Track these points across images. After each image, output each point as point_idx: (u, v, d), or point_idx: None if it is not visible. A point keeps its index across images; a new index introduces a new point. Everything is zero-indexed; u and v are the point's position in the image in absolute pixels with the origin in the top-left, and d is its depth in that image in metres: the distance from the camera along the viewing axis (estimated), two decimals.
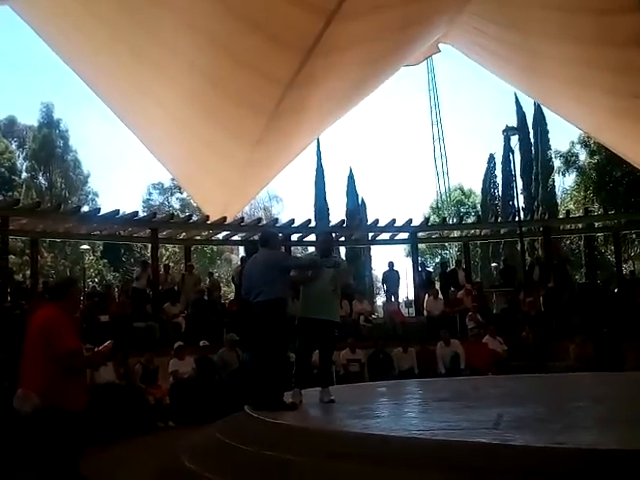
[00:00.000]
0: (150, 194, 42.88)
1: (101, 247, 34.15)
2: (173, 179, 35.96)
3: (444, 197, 44.10)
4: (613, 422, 5.15)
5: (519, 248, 19.87)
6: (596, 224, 21.46)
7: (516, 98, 32.56)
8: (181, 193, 39.54)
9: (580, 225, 21.69)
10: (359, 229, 20.67)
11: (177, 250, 31.22)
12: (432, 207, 44.66)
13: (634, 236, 25.02)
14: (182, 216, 23.00)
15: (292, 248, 19.05)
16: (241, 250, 35.11)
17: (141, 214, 18.94)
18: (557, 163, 30.02)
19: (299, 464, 4.59)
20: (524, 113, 32.84)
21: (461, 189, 45.71)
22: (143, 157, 58.41)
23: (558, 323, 15.40)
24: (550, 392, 8.31)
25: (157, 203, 41.59)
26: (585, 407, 6.11)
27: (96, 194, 40.36)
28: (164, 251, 28.88)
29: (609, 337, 13.03)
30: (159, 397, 10.59)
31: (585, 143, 26.10)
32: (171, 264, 26.27)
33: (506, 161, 32.91)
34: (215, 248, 34.84)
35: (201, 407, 10.94)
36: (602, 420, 5.30)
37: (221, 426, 6.90)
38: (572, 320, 15.25)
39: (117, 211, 16.79)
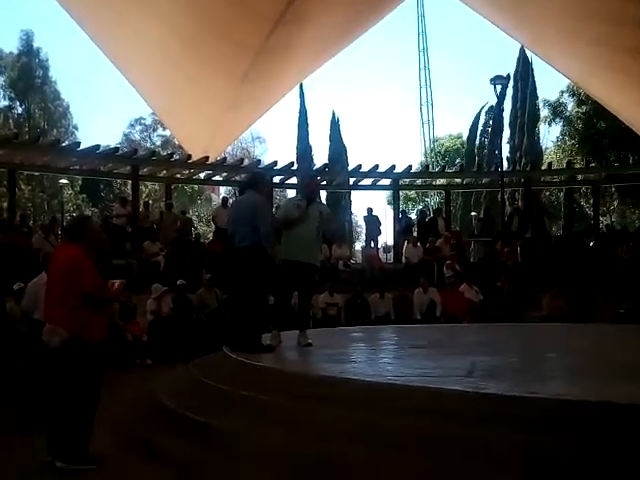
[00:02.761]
0: (131, 129, 42.05)
1: (80, 182, 33.69)
2: (154, 115, 35.29)
3: (431, 145, 43.92)
4: (582, 373, 5.26)
5: (500, 198, 19.97)
6: (577, 177, 21.63)
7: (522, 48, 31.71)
8: (163, 130, 38.84)
9: (561, 177, 21.83)
10: (342, 174, 20.57)
11: (157, 188, 30.91)
12: (423, 153, 44.32)
13: (613, 190, 25.19)
14: (164, 154, 22.68)
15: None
16: (222, 190, 35.01)
17: (121, 150, 18.66)
18: (545, 112, 29.84)
19: (275, 405, 4.66)
20: (521, 62, 32.17)
21: (459, 136, 45.39)
22: (124, 91, 57.25)
23: (534, 274, 15.60)
24: (523, 342, 8.47)
25: (137, 139, 40.81)
26: (557, 358, 6.23)
27: (76, 127, 39.54)
28: (144, 188, 28.47)
29: (582, 289, 13.25)
30: (137, 334, 10.64)
31: (573, 92, 25.96)
32: (151, 202, 26.09)
33: (495, 110, 32.65)
34: (196, 187, 34.51)
35: (179, 346, 11.04)
36: (572, 371, 5.42)
37: (199, 365, 6.97)
38: (548, 272, 15.47)
39: (98, 146, 16.53)
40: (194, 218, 32.54)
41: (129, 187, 19.83)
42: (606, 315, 12.85)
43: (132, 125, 41.76)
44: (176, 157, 18.99)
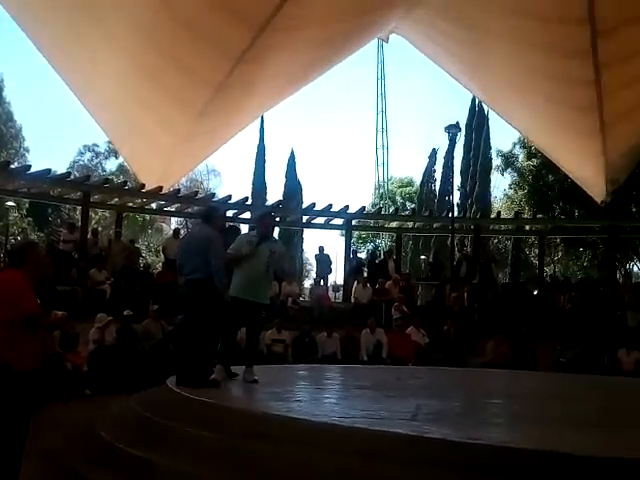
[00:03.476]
0: (82, 155, 41.39)
1: (27, 205, 32.95)
2: (109, 142, 34.97)
3: (384, 187, 44.49)
4: (524, 420, 5.35)
5: (449, 243, 20.32)
6: (525, 227, 22.24)
7: (473, 99, 32.70)
8: (116, 158, 38.43)
9: (510, 226, 22.41)
10: (296, 211, 20.67)
11: (107, 215, 30.44)
12: (377, 197, 44.82)
13: (558, 241, 25.91)
14: (117, 181, 22.43)
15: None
16: (173, 220, 34.69)
17: (73, 175, 18.39)
18: (497, 162, 30.65)
19: (217, 442, 4.59)
20: (476, 111, 33.10)
21: (410, 183, 46.20)
22: (78, 117, 56.51)
23: (480, 320, 15.87)
24: (467, 387, 8.55)
25: (87, 165, 40.16)
26: (499, 404, 6.32)
27: (27, 150, 38.85)
28: (93, 215, 28.04)
29: (525, 337, 13.51)
30: (77, 364, 10.36)
31: (524, 145, 26.79)
32: (100, 228, 25.66)
33: (447, 157, 33.44)
34: (147, 217, 34.13)
35: (120, 377, 10.78)
36: (514, 417, 5.51)
37: (140, 398, 6.81)
38: (493, 318, 15.75)
39: (48, 170, 16.26)
40: (143, 248, 32.11)
41: (78, 213, 19.51)
42: (547, 363, 13.11)
43: (82, 152, 41.18)
44: (129, 185, 18.80)
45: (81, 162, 40.75)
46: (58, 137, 60.92)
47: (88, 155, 41.22)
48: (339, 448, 4.10)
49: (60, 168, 19.43)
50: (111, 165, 40.57)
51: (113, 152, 38.05)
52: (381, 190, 44.35)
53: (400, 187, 45.96)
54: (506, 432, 4.57)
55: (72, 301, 12.89)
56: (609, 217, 19.21)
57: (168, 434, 5.06)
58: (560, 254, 28.71)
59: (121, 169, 37.50)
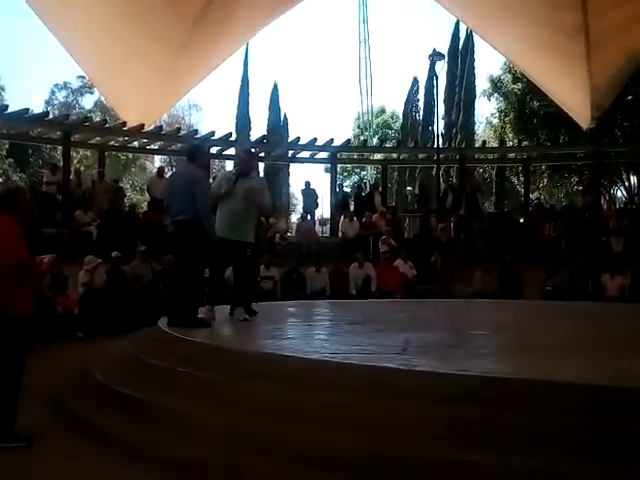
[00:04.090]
0: (53, 94, 40.27)
1: (7, 146, 32.33)
2: (82, 78, 34.27)
3: (367, 119, 43.99)
4: (510, 350, 5.48)
5: (435, 174, 20.29)
6: (509, 155, 22.20)
7: (457, 23, 32.09)
8: (92, 94, 37.49)
9: (494, 155, 22.36)
10: (280, 146, 20.47)
11: (89, 154, 29.99)
12: (359, 127, 44.39)
13: (544, 168, 25.92)
14: (97, 119, 22.02)
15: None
16: (157, 159, 34.30)
17: (52, 114, 18.02)
18: (485, 86, 30.29)
19: (210, 381, 4.66)
20: (459, 38, 32.54)
21: (383, 111, 45.61)
22: (48, 55, 54.86)
23: (467, 250, 16.01)
24: (455, 318, 8.72)
25: (63, 103, 39.13)
26: (486, 335, 6.45)
27: (2, 88, 37.83)
28: (75, 154, 27.57)
29: (511, 265, 13.68)
30: (68, 307, 10.40)
31: (509, 69, 26.45)
32: (82, 168, 25.34)
33: (430, 86, 32.96)
34: (130, 155, 33.66)
35: (111, 319, 10.87)
36: (500, 348, 5.63)
37: (133, 340, 6.89)
38: (480, 248, 15.90)
39: (27, 110, 15.90)
40: (128, 187, 31.82)
41: (59, 153, 19.20)
42: (534, 291, 13.34)
43: (54, 91, 40.07)
44: (111, 124, 18.47)
45: (56, 101, 39.78)
46: (30, 75, 59.47)
47: (63, 93, 40.19)
48: (331, 384, 4.18)
49: (36, 108, 18.90)
50: (87, 102, 39.63)
51: (87, 88, 37.19)
52: (364, 119, 43.84)
53: (388, 119, 45.36)
54: (492, 363, 4.67)
55: (59, 244, 12.82)
56: (594, 143, 19.20)
57: (161, 374, 5.13)
58: (545, 181, 28.76)
59: (98, 106, 36.74)
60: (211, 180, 8.67)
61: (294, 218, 30.69)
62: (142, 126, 16.83)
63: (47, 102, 38.98)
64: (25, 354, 4.65)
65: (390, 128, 42.95)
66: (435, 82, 19.18)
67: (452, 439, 3.54)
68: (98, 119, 23.10)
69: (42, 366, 6.76)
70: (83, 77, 35.50)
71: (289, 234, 17.53)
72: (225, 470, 3.76)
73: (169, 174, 17.67)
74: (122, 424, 4.53)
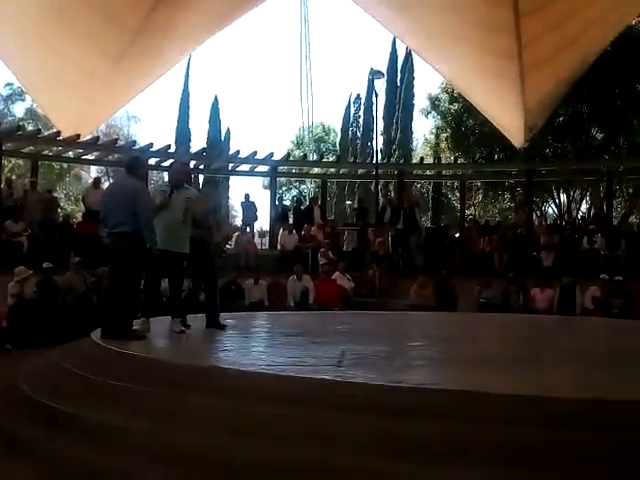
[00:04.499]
0: None
1: None
2: (10, 85, 33.52)
3: (306, 133, 44.15)
4: (444, 361, 5.59)
5: (374, 189, 20.57)
6: (446, 172, 22.72)
7: (393, 42, 32.74)
8: (23, 100, 36.47)
9: (432, 171, 22.84)
10: (220, 159, 20.38)
11: (21, 163, 29.13)
12: (294, 142, 44.54)
13: (479, 184, 26.58)
14: (29, 128, 21.44)
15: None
16: (93, 169, 33.57)
17: None
18: (423, 104, 30.86)
19: (143, 395, 4.59)
20: (397, 57, 33.20)
21: (323, 126, 45.88)
22: None
23: (404, 263, 16.26)
24: (392, 330, 8.83)
25: None
26: (421, 346, 6.55)
27: None
28: (6, 162, 26.71)
29: (447, 279, 13.97)
30: None
31: (446, 90, 27.05)
32: (14, 177, 24.56)
33: (369, 103, 33.43)
34: (65, 164, 32.85)
35: (42, 330, 10.54)
36: (435, 359, 5.73)
37: (64, 352, 6.71)
38: (416, 261, 16.17)
39: None
40: (62, 197, 31.04)
41: None
42: (468, 303, 13.65)
43: None
44: (45, 133, 18.02)
45: None
46: None
47: None
48: (266, 396, 4.18)
49: None
50: (18, 110, 38.47)
51: (18, 96, 36.26)
52: (302, 134, 44.00)
53: (322, 134, 45.54)
54: (427, 374, 4.77)
55: None
56: (526, 161, 19.85)
57: (94, 388, 5.01)
58: (480, 197, 29.49)
59: (29, 114, 35.81)
60: None
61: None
62: (78, 136, 16.46)
63: None
64: None
65: (324, 141, 43.09)
66: (375, 99, 19.49)
67: (385, 450, 3.59)
68: (30, 127, 22.50)
69: None
70: (12, 84, 34.79)
71: (228, 246, 17.41)
72: None
73: (106, 185, 17.37)
74: (55, 439, 4.40)
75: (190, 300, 7.99)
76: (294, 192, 39.87)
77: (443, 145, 28.89)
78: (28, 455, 4.39)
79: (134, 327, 6.41)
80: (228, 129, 33.73)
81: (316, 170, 22.09)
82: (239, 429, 3.94)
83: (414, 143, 34.23)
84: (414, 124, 33.42)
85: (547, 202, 28.74)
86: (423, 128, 32.84)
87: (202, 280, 7.66)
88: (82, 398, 4.89)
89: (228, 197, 32.75)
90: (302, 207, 18.70)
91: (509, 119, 17.28)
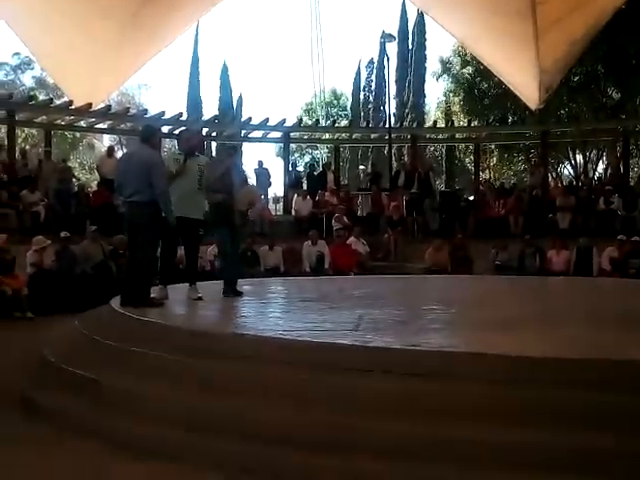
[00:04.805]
0: None
1: None
2: (18, 54, 33.40)
3: (318, 99, 43.74)
4: (460, 325, 5.61)
5: (387, 153, 20.44)
6: (460, 135, 22.51)
7: (403, 3, 32.26)
8: (32, 69, 36.36)
9: (445, 135, 22.64)
10: (232, 126, 20.31)
11: (34, 132, 29.17)
12: (305, 109, 44.18)
13: (493, 147, 26.35)
14: (40, 96, 21.41)
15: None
16: (105, 138, 33.55)
17: None
18: (434, 67, 30.47)
19: (163, 361, 4.65)
20: (407, 19, 32.73)
21: (334, 92, 45.39)
22: None
23: (419, 228, 16.25)
24: (407, 294, 8.85)
25: (4, 81, 37.74)
26: (437, 310, 6.56)
27: None
28: (20, 132, 26.75)
29: (462, 242, 13.92)
30: (16, 288, 10.18)
31: (459, 53, 26.67)
32: (28, 147, 24.64)
33: (381, 67, 33.04)
34: (77, 133, 32.87)
35: (61, 299, 10.71)
36: (451, 323, 5.75)
37: (85, 320, 6.81)
38: (431, 225, 16.15)
39: None
40: (76, 166, 31.11)
41: (3, 132, 18.66)
42: (484, 267, 13.63)
43: None
44: (56, 102, 18.01)
45: None
46: None
47: (2, 72, 38.78)
48: (285, 361, 4.23)
49: None
50: (27, 79, 38.34)
51: (26, 65, 36.20)
52: (315, 100, 43.59)
53: (332, 99, 45.03)
54: (443, 337, 4.78)
55: (5, 224, 12.54)
56: (541, 123, 19.61)
57: (114, 354, 5.09)
58: (495, 160, 29.24)
59: (40, 83, 35.74)
60: None
61: None
62: (90, 105, 16.46)
63: None
64: None
65: (334, 106, 42.59)
66: (387, 63, 19.30)
67: (405, 413, 3.63)
68: (42, 97, 22.46)
69: None
70: (19, 54, 34.72)
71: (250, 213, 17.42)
72: (182, 448, 3.77)
73: (119, 154, 17.37)
74: (76, 405, 4.49)
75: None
76: (307, 158, 39.70)
77: (456, 108, 28.59)
78: (49, 420, 4.48)
79: (152, 295, 6.47)
80: (240, 96, 33.57)
81: (328, 136, 21.96)
82: (258, 394, 4.00)
83: (427, 107, 33.88)
84: (426, 87, 33.00)
85: (563, 163, 28.47)
86: (436, 92, 32.37)
87: (230, 245, 7.46)
88: (102, 364, 4.97)
89: (241, 164, 32.76)
90: (315, 173, 18.64)
91: (524, 80, 17.04)
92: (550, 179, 21.70)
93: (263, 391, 4.01)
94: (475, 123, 22.86)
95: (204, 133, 18.13)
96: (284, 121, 18.99)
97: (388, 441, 3.47)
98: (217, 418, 3.91)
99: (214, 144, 21.47)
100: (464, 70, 26.31)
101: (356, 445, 3.49)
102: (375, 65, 35.70)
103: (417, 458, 3.35)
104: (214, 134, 19.76)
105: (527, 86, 17.12)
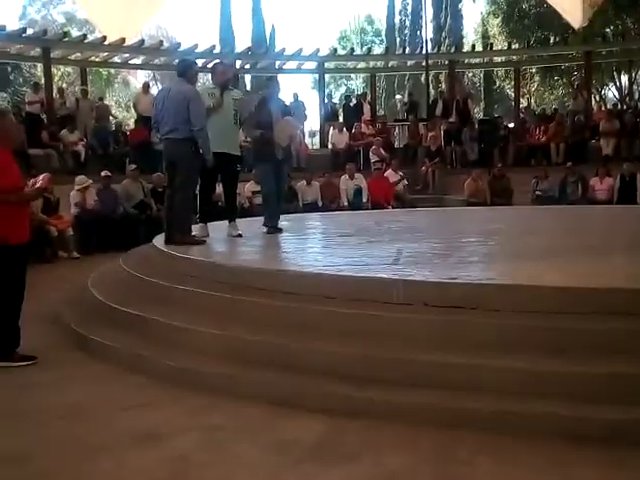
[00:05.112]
0: (25, 8, 38.53)
1: None
2: None
3: (351, 26, 42.63)
4: (499, 256, 5.59)
5: (424, 80, 19.98)
6: (499, 59, 21.79)
7: None
8: (63, 3, 36.13)
9: (484, 59, 21.94)
10: (265, 57, 20.02)
11: (70, 71, 29.21)
12: (339, 37, 43.08)
13: (534, 71, 25.52)
14: (76, 34, 21.33)
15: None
16: (140, 73, 33.48)
17: (29, 31, 17.44)
18: None
19: (210, 298, 4.77)
20: None
21: (369, 18, 44.12)
22: None
23: (457, 158, 16.02)
24: (446, 227, 8.81)
25: (34, 20, 37.61)
26: (476, 242, 6.54)
27: None
28: (55, 71, 26.78)
29: (501, 172, 13.68)
30: (62, 228, 10.42)
31: None
32: (64, 85, 24.73)
33: None
34: (112, 70, 32.81)
35: (106, 238, 10.96)
36: (490, 255, 5.74)
37: (129, 259, 6.98)
38: (470, 155, 15.89)
39: (3, 27, 15.40)
40: (112, 103, 31.17)
41: (39, 70, 18.70)
42: (524, 197, 13.43)
43: (25, 6, 38.38)
44: (90, 38, 17.94)
45: (29, 16, 38.21)
46: None
47: (35, 7, 38.59)
48: (326, 296, 4.31)
49: (9, 24, 18.04)
50: (58, 17, 38.14)
51: (57, 0, 36.04)
52: (350, 29, 42.51)
53: (364, 25, 43.76)
54: (481, 270, 4.78)
55: (47, 165, 12.73)
56: (585, 42, 18.84)
57: (160, 292, 5.24)
58: (536, 84, 28.37)
59: (70, 19, 35.56)
60: None
61: None
62: (123, 40, 16.38)
63: (20, 18, 37.59)
64: (24, 278, 4.74)
65: (366, 33, 41.41)
66: None
67: (445, 345, 3.69)
68: (75, 33, 22.37)
69: (42, 288, 6.89)
70: None
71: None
72: (227, 382, 3.90)
73: (154, 89, 17.33)
74: (125, 341, 4.66)
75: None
76: (343, 89, 39.07)
77: (495, 31, 27.63)
78: (99, 356, 4.67)
79: (193, 232, 6.57)
80: (273, 27, 32.99)
81: (363, 65, 21.49)
82: (301, 328, 4.09)
83: (464, 31, 32.85)
84: (464, 10, 31.94)
85: (607, 85, 27.48)
86: (473, 15, 31.17)
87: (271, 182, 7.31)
88: (148, 302, 5.13)
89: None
90: (351, 104, 18.38)
91: None
92: (593, 103, 21.03)
93: (304, 326, 4.10)
94: (515, 46, 22.05)
95: (237, 66, 17.92)
96: (318, 51, 18.63)
97: (428, 374, 3.54)
98: (260, 352, 4.03)
99: (247, 76, 21.24)
100: None
101: (397, 377, 3.57)
102: None
103: (457, 389, 3.42)
104: (247, 66, 19.52)
105: (570, 3, 16.43)
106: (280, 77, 23.08)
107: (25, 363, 4.57)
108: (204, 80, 21.62)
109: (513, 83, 21.84)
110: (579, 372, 3.35)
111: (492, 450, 3.03)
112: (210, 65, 18.21)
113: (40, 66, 18.14)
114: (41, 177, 4.84)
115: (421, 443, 3.13)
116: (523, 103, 24.69)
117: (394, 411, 3.41)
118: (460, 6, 31.30)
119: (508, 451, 3.02)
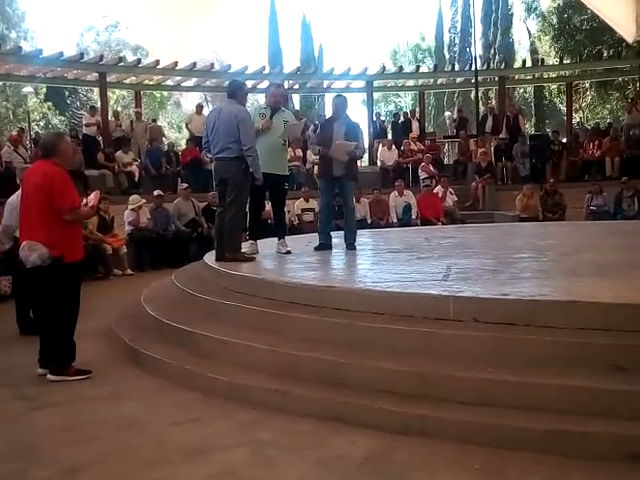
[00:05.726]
0: (81, 37, 39.99)
1: (44, 89, 32.56)
2: (105, 17, 34.30)
3: (401, 44, 42.77)
4: (551, 273, 5.46)
5: (473, 97, 19.85)
6: (550, 74, 21.50)
7: None
8: (118, 30, 37.44)
9: (535, 75, 21.68)
10: (314, 77, 20.22)
11: (125, 94, 30.06)
12: (391, 53, 43.20)
13: (587, 85, 25.10)
14: (131, 59, 21.97)
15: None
16: (192, 95, 34.19)
17: (86, 56, 18.04)
18: (519, 10, 29.21)
19: (257, 314, 4.81)
20: None
21: (420, 35, 44.20)
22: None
23: (508, 174, 15.82)
24: (496, 243, 8.68)
25: (89, 46, 38.93)
26: (528, 258, 6.42)
27: (34, 32, 37.75)
28: (111, 94, 27.61)
29: (554, 187, 13.44)
30: (116, 246, 10.67)
31: None
32: (120, 108, 25.42)
33: (466, 5, 31.88)
34: (165, 92, 33.65)
35: (158, 255, 11.19)
36: (542, 271, 5.61)
37: (181, 275, 7.10)
38: (521, 171, 15.67)
39: (61, 53, 15.96)
40: (165, 125, 31.94)
41: (95, 94, 19.27)
42: (577, 212, 13.16)
43: (82, 34, 39.79)
44: (144, 63, 18.45)
45: (86, 42, 39.59)
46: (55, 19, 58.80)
47: (90, 35, 39.98)
48: (375, 312, 4.29)
49: (67, 50, 18.69)
50: (114, 44, 39.37)
51: (113, 27, 37.31)
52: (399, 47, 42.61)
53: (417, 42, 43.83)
54: (534, 286, 4.68)
55: (102, 185, 13.08)
56: (639, 56, 18.45)
57: (210, 308, 5.31)
58: (588, 99, 27.88)
59: (124, 44, 36.76)
60: None
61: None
62: (176, 63, 16.79)
63: (78, 44, 38.94)
64: (79, 295, 4.88)
65: (420, 49, 41.38)
66: (472, 1, 18.54)
67: (495, 362, 3.62)
68: (130, 57, 23.02)
69: (97, 304, 7.06)
70: (106, 16, 35.75)
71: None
72: (277, 397, 3.91)
73: (207, 110, 17.66)
74: (177, 356, 4.72)
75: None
76: (391, 107, 39.12)
77: (546, 47, 27.29)
78: (153, 371, 4.75)
79: (243, 250, 6.64)
80: (321, 46, 33.37)
81: (412, 82, 21.48)
82: (350, 345, 4.08)
83: (515, 46, 32.56)
84: (514, 27, 31.69)
85: None
86: (523, 31, 30.90)
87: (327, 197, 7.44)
88: (199, 317, 5.21)
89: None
90: (400, 121, 18.37)
91: (619, 11, 16.07)
92: None
93: (353, 343, 4.09)
94: (567, 60, 21.73)
95: (286, 86, 18.14)
96: (366, 69, 18.73)
97: (477, 390, 3.49)
98: (309, 368, 4.03)
99: (296, 96, 21.46)
100: (552, 3, 24.99)
101: (448, 395, 3.52)
102: (460, 3, 34.47)
103: (509, 407, 3.35)
104: (296, 86, 19.74)
105: (623, 17, 16.14)
106: (328, 96, 23.32)
107: (80, 377, 4.68)
108: (253, 101, 21.99)
109: (565, 98, 21.48)
110: (631, 391, 3.25)
111: (545, 471, 2.97)
112: (260, 86, 18.62)
113: (96, 90, 18.70)
114: (92, 195, 4.96)
115: (472, 462, 3.08)
116: (576, 118, 24.29)
117: (445, 429, 3.37)
118: (510, 23, 31.04)
119: (561, 472, 2.95)
